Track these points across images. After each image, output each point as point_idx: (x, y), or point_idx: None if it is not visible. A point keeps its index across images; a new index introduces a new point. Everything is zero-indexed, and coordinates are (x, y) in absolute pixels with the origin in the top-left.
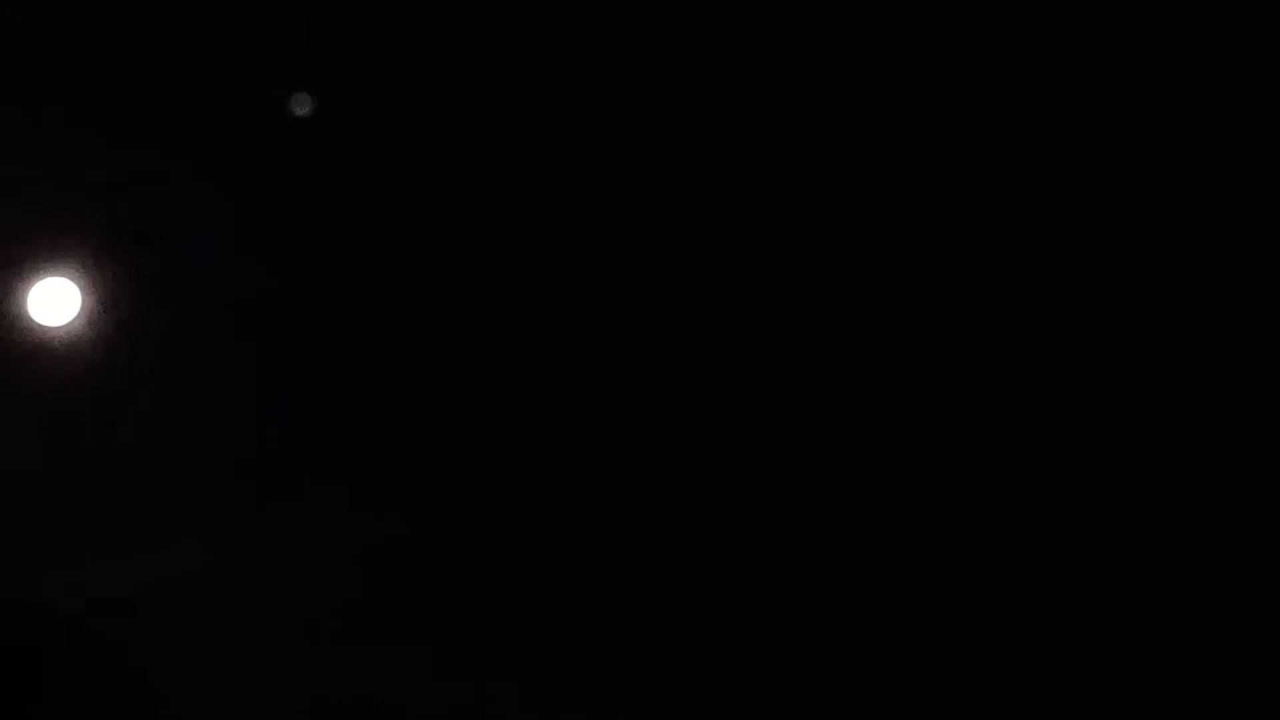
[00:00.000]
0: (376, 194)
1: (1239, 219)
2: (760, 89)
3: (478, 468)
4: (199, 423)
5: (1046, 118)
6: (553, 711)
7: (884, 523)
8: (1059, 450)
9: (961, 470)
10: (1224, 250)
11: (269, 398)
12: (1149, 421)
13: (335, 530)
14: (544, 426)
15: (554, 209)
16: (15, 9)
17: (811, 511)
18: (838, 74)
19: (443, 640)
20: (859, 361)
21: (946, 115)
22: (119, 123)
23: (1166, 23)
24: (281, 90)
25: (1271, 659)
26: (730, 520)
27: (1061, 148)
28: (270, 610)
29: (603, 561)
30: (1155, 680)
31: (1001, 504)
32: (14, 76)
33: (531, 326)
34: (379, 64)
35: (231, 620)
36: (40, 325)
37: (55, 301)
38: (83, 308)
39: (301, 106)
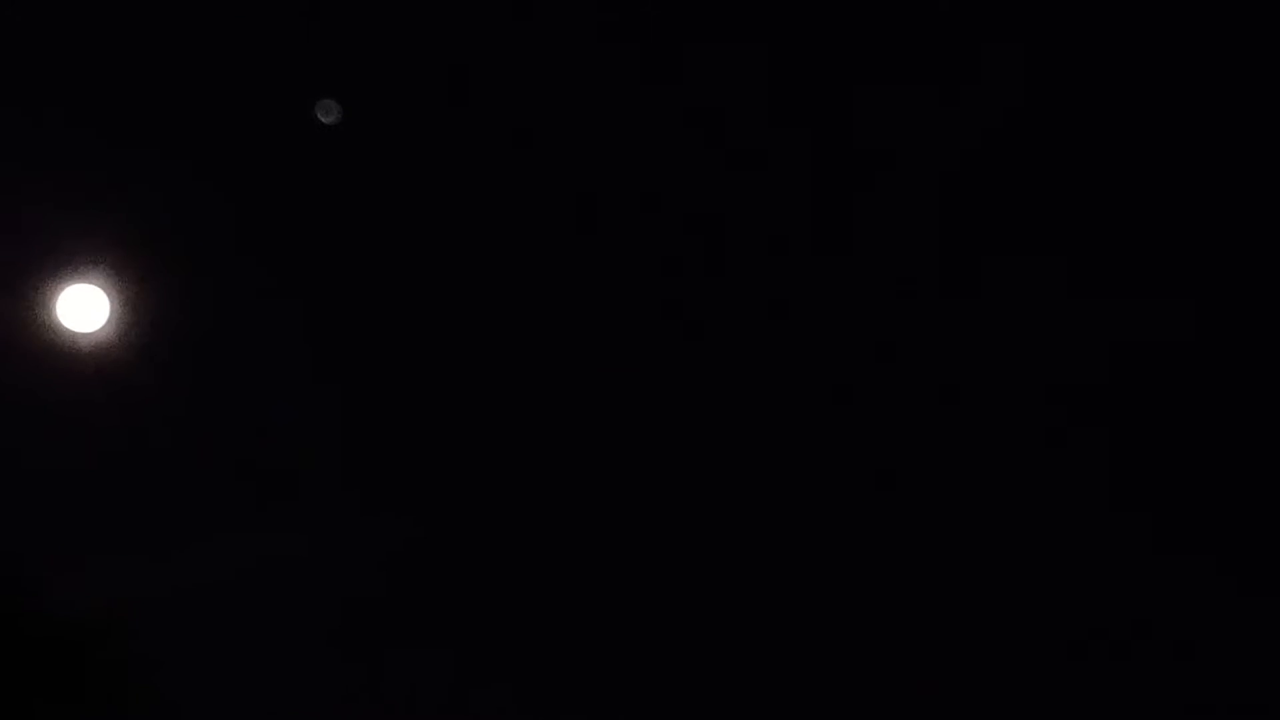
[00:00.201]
0: (382, 198)
1: (1239, 219)
2: (760, 89)
3: (481, 468)
4: (223, 429)
5: (1046, 118)
6: (555, 713)
7: (884, 522)
8: (1059, 450)
9: (961, 470)
10: (1224, 250)
11: (288, 405)
12: (1149, 422)
13: (356, 535)
14: (544, 427)
15: (554, 209)
16: (22, 10)
17: (811, 511)
18: (838, 74)
19: (463, 643)
20: (859, 361)
21: (946, 115)
22: (155, 131)
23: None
24: (286, 93)
25: (1271, 659)
26: (730, 520)
27: (1061, 148)
28: (294, 614)
29: (603, 562)
30: (1155, 680)
31: (1001, 504)
32: (45, 81)
33: (532, 326)
34: (379, 64)
35: (257, 622)
36: (70, 330)
37: (85, 308)
38: (111, 314)
39: (328, 114)
